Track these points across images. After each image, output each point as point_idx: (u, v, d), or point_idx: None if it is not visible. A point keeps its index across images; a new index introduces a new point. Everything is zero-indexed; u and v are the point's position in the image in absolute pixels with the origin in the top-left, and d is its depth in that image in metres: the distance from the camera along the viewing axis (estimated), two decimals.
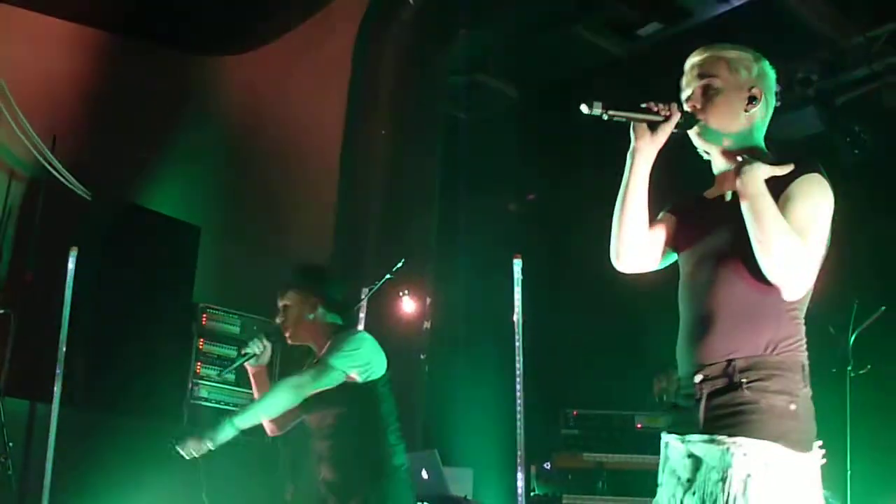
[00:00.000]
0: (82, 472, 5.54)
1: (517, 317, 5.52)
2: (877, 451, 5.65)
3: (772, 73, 2.88)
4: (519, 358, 5.49)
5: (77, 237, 5.61)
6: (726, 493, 2.48)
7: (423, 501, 6.22)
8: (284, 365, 5.98)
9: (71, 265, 5.41)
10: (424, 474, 6.08)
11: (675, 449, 2.68)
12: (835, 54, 7.39)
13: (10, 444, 5.23)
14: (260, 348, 4.17)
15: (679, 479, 2.65)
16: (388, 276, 6.15)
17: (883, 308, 5.38)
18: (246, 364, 4.21)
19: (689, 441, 2.62)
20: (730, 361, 2.57)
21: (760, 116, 2.81)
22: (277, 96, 7.24)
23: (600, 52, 7.88)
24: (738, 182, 2.57)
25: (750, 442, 2.49)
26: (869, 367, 5.17)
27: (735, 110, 2.77)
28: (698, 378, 2.62)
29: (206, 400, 6.05)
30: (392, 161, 7.57)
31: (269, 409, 4.06)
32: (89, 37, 6.28)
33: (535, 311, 5.78)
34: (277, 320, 4.24)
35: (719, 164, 2.83)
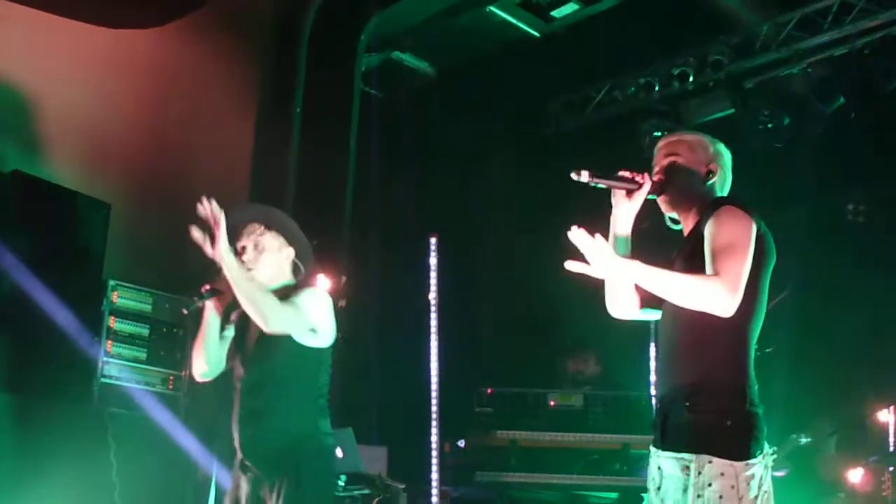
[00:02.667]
0: None
1: (432, 295, 5.55)
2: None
3: (727, 153, 3.32)
4: (434, 336, 5.52)
5: None
6: (680, 498, 2.95)
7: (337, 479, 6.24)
8: None
9: None
10: (339, 452, 6.08)
11: (652, 459, 3.16)
12: (745, 38, 7.53)
13: None
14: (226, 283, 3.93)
15: (654, 485, 3.11)
16: None
17: (787, 291, 5.52)
18: (207, 302, 4.01)
19: (658, 454, 3.11)
20: (680, 388, 3.03)
21: (718, 187, 3.27)
22: (188, 72, 7.14)
23: (515, 32, 7.92)
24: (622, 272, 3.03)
25: (691, 456, 2.94)
26: (773, 347, 5.33)
27: (695, 182, 3.24)
28: (658, 404, 3.16)
29: (118, 378, 5.97)
30: (306, 138, 7.53)
31: (250, 292, 3.81)
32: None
33: (449, 289, 5.81)
34: (245, 258, 4.02)
35: (686, 227, 3.26)
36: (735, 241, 2.97)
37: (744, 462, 2.89)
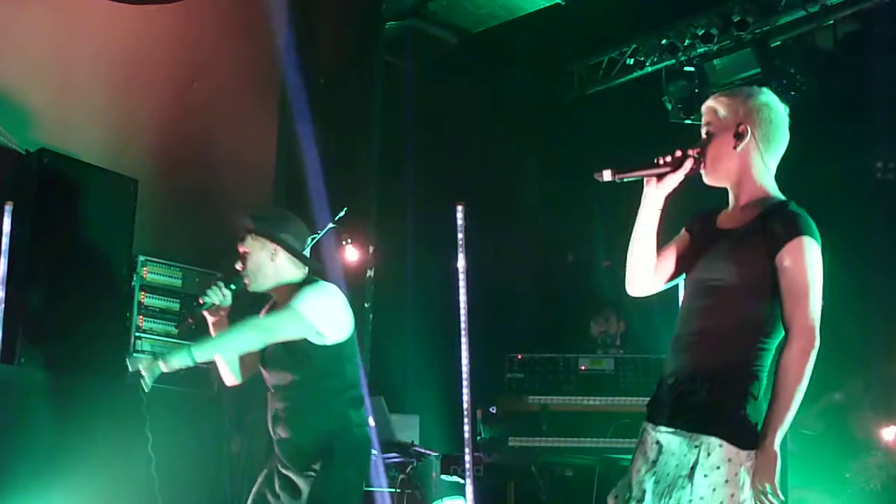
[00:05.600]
0: (22, 430, 5.49)
1: (461, 263, 5.55)
2: None
3: (768, 105, 3.15)
4: (463, 304, 5.52)
5: (12, 191, 5.52)
6: (678, 476, 2.99)
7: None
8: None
9: (6, 220, 5.32)
10: (371, 421, 6.12)
11: (646, 433, 3.17)
12: None
13: None
14: (220, 297, 4.08)
15: (647, 459, 3.12)
16: (330, 224, 6.14)
17: None
18: (205, 312, 4.13)
19: (658, 430, 3.10)
20: (702, 370, 3.03)
21: (753, 149, 3.13)
22: (211, 46, 7.14)
23: None
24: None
25: (703, 437, 2.97)
26: None
27: (725, 150, 3.12)
28: (671, 380, 3.11)
29: (150, 353, 6.02)
30: (332, 110, 7.52)
31: (227, 345, 4.03)
32: None
33: (478, 257, 5.81)
34: (237, 267, 4.15)
35: (731, 196, 3.21)
36: (815, 280, 2.98)
37: (748, 451, 2.93)
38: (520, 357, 6.00)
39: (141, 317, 6.03)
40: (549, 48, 8.13)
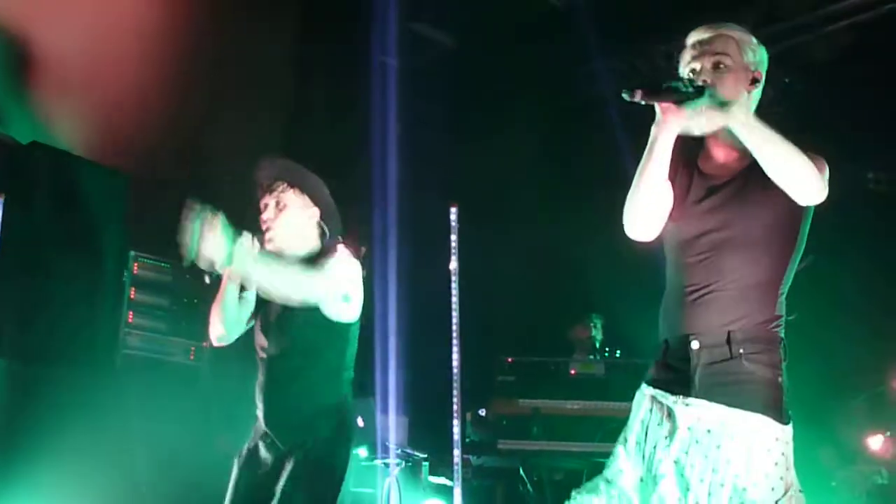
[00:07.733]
0: (12, 423, 5.47)
1: (454, 265, 5.54)
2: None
3: (766, 59, 2.99)
4: (455, 305, 5.51)
5: (5, 184, 5.50)
6: (720, 458, 2.71)
7: (357, 448, 6.27)
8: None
9: None
10: (360, 422, 6.12)
11: (657, 404, 2.88)
12: (767, 5, 7.44)
13: None
14: (248, 242, 3.68)
15: (657, 433, 2.84)
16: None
17: (812, 257, 5.47)
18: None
19: (676, 401, 2.81)
20: (729, 333, 2.77)
21: (756, 97, 2.94)
22: (209, 42, 7.13)
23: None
24: (727, 118, 2.71)
25: (744, 413, 2.72)
26: (795, 315, 5.29)
27: (740, 88, 2.88)
28: (695, 345, 2.80)
29: (139, 349, 6.01)
30: (325, 109, 7.52)
31: (277, 272, 3.68)
32: None
33: (470, 259, 5.81)
34: (265, 216, 3.89)
35: (716, 136, 2.94)
36: (825, 181, 2.77)
37: (788, 425, 2.76)
38: (510, 360, 6.01)
39: (130, 312, 6.02)
40: (546, 53, 8.14)
